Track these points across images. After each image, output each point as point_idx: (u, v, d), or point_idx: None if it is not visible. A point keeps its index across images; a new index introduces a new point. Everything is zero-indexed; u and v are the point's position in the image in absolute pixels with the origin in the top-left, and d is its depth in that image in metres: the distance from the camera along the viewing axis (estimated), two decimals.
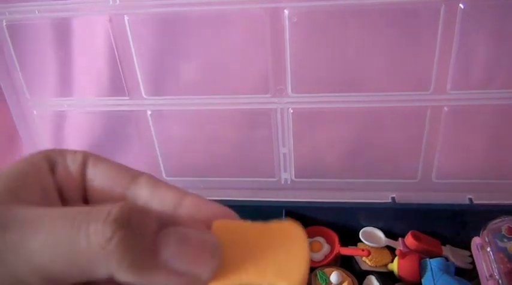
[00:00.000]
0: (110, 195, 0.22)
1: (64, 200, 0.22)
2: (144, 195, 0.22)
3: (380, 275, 0.61)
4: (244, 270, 0.20)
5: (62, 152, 0.22)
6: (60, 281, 0.18)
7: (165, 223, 0.19)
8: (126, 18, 0.57)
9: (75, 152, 0.22)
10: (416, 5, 0.53)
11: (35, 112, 0.66)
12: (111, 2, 0.56)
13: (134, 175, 0.22)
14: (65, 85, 0.65)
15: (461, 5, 0.52)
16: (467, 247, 0.63)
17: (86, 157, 0.22)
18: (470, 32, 0.54)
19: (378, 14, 0.54)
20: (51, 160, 0.22)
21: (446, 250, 0.64)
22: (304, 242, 0.20)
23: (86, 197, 0.22)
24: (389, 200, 0.65)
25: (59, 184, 0.21)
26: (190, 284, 0.19)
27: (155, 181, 0.22)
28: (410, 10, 0.54)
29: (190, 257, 0.18)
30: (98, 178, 0.22)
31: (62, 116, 0.67)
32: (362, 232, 0.64)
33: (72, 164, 0.22)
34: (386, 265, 0.62)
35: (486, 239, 0.60)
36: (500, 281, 0.57)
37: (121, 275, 0.18)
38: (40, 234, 0.18)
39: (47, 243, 0.18)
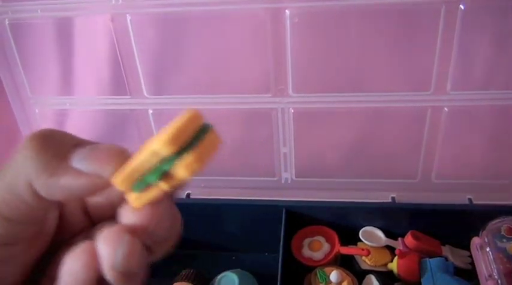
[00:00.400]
0: None
1: None
2: None
3: (379, 275, 0.61)
4: (135, 156, 0.21)
5: None
6: (9, 218, 0.21)
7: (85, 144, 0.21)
8: (128, 17, 0.57)
9: None
10: (416, 5, 0.53)
11: (36, 110, 0.66)
12: (113, 1, 0.57)
13: None
14: (67, 84, 0.65)
15: (461, 6, 0.52)
16: (467, 247, 0.64)
17: None
18: (470, 33, 0.54)
19: (378, 15, 0.55)
20: None
21: (446, 250, 0.64)
22: (185, 114, 0.21)
23: None
24: (389, 200, 0.65)
25: None
26: (95, 183, 0.21)
27: None
28: (411, 11, 0.54)
29: (95, 158, 0.21)
30: None
31: (64, 114, 0.67)
32: (362, 232, 0.65)
33: None
34: (385, 265, 0.63)
35: (485, 239, 0.60)
36: (499, 282, 0.57)
37: (36, 180, 0.20)
38: None
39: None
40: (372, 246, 0.63)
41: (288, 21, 0.55)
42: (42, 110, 0.66)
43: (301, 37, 0.56)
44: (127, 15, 0.57)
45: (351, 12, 0.55)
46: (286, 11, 0.55)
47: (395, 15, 0.55)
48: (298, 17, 0.55)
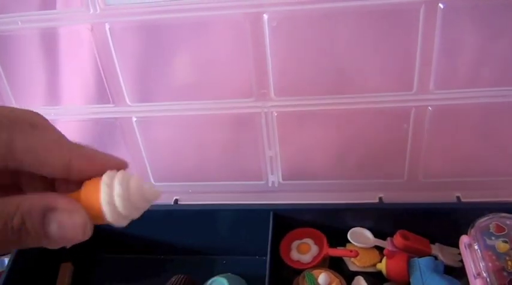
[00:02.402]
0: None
1: None
2: None
3: (368, 276, 0.61)
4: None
5: None
6: None
7: (49, 208, 0.24)
8: (107, 26, 0.57)
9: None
10: (396, 6, 0.53)
11: None
12: (91, 11, 0.57)
13: None
14: (51, 94, 0.65)
15: (440, 5, 0.52)
16: (456, 245, 0.63)
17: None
18: (451, 31, 0.53)
19: (357, 16, 0.54)
20: None
21: (435, 249, 0.64)
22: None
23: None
24: (377, 201, 0.65)
25: None
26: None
27: None
28: (390, 11, 0.53)
29: (68, 237, 0.25)
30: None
31: None
32: (350, 233, 0.65)
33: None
34: (374, 265, 0.63)
35: (474, 237, 0.60)
36: (488, 279, 0.57)
37: None
38: None
39: None
40: (360, 247, 0.63)
41: (267, 25, 0.55)
42: None
43: (281, 40, 0.56)
44: (106, 24, 0.57)
45: (330, 15, 0.54)
46: (264, 15, 0.54)
47: (375, 16, 0.54)
48: (276, 20, 0.55)
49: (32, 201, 0.24)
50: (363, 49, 0.57)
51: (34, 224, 0.24)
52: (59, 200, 0.25)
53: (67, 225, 0.25)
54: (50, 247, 0.26)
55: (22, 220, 0.24)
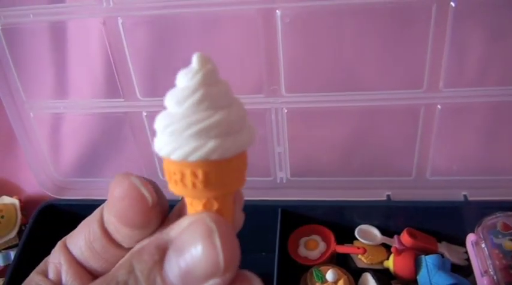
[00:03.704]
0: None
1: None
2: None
3: (376, 273, 0.61)
4: None
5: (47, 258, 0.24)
6: None
7: (162, 248, 0.21)
8: (119, 20, 0.57)
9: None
10: (408, 3, 0.53)
11: (31, 114, 0.66)
12: (104, 5, 0.57)
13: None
14: (61, 88, 0.65)
15: (452, 3, 0.52)
16: (463, 244, 0.64)
17: (62, 243, 0.24)
18: (462, 30, 0.54)
19: (369, 13, 0.55)
20: (43, 269, 0.24)
21: (442, 247, 0.64)
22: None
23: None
24: (385, 198, 0.65)
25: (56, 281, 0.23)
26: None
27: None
28: (402, 9, 0.54)
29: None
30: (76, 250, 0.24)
31: (59, 118, 0.67)
32: (358, 230, 0.65)
33: (57, 257, 0.24)
34: (382, 262, 0.63)
35: (481, 235, 0.60)
36: (495, 277, 0.57)
37: None
38: None
39: None
40: (367, 245, 0.64)
41: (280, 22, 0.55)
42: (37, 114, 0.66)
43: (293, 37, 0.56)
44: (118, 18, 0.57)
45: (342, 12, 0.55)
46: (277, 11, 0.55)
47: (387, 13, 0.55)
48: (289, 17, 0.55)
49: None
50: (373, 47, 0.57)
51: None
52: None
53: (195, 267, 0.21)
54: None
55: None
